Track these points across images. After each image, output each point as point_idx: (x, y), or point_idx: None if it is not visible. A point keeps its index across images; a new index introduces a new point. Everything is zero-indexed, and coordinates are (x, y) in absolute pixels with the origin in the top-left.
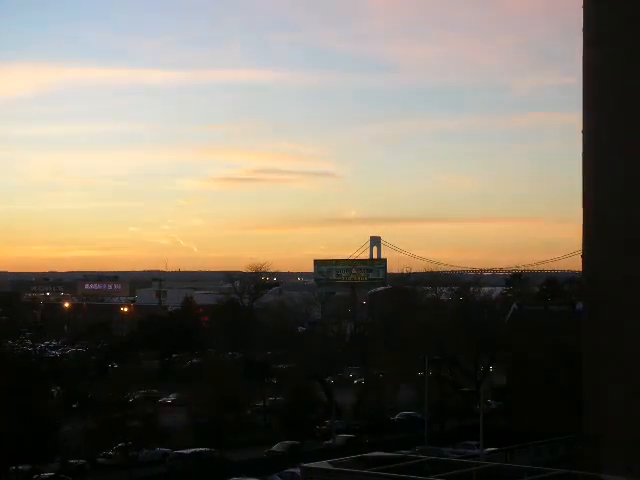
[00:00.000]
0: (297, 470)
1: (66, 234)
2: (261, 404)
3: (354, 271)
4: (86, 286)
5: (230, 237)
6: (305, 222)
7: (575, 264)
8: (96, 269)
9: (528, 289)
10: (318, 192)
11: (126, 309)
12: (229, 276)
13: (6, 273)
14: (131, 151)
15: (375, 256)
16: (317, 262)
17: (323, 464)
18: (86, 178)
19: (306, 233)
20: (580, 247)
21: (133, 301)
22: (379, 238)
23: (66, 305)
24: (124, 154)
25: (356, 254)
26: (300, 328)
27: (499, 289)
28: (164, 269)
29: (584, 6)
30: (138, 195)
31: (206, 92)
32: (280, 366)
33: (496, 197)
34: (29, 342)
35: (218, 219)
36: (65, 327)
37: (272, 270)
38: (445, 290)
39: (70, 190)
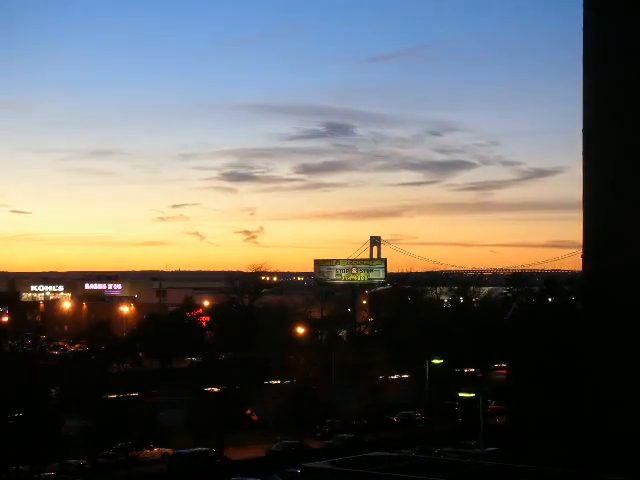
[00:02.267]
0: (297, 470)
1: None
2: (261, 404)
3: (354, 271)
4: (86, 286)
5: None
6: None
7: (575, 264)
8: (96, 269)
9: (528, 289)
10: None
11: (126, 309)
12: (229, 276)
13: (6, 272)
14: None
15: (375, 256)
16: (317, 262)
17: (323, 464)
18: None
19: None
20: (580, 246)
21: (133, 300)
22: (379, 238)
23: (66, 305)
24: None
25: (356, 254)
26: (300, 328)
27: (499, 289)
28: (164, 269)
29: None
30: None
31: None
32: (280, 366)
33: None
34: (29, 342)
35: None
36: (65, 327)
37: (272, 270)
38: (445, 290)
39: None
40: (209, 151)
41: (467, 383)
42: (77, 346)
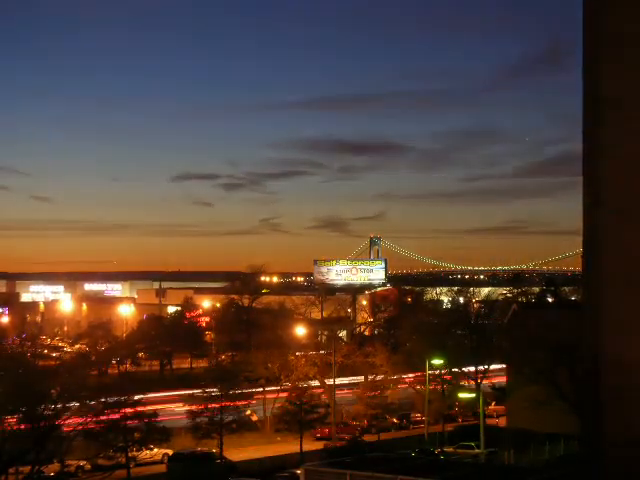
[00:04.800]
0: (297, 470)
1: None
2: (261, 404)
3: (354, 271)
4: (86, 286)
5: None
6: None
7: (575, 264)
8: (96, 269)
9: (528, 289)
10: None
11: (126, 309)
12: (229, 276)
13: (6, 273)
14: None
15: (375, 256)
16: (317, 262)
17: (323, 465)
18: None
19: None
20: (580, 247)
21: (133, 301)
22: (379, 237)
23: (66, 305)
24: None
25: (355, 254)
26: (300, 328)
27: (499, 289)
28: (164, 269)
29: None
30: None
31: None
32: (280, 366)
33: None
34: (29, 342)
35: None
36: (65, 327)
37: (272, 270)
38: (445, 290)
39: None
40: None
41: (467, 383)
42: (77, 346)
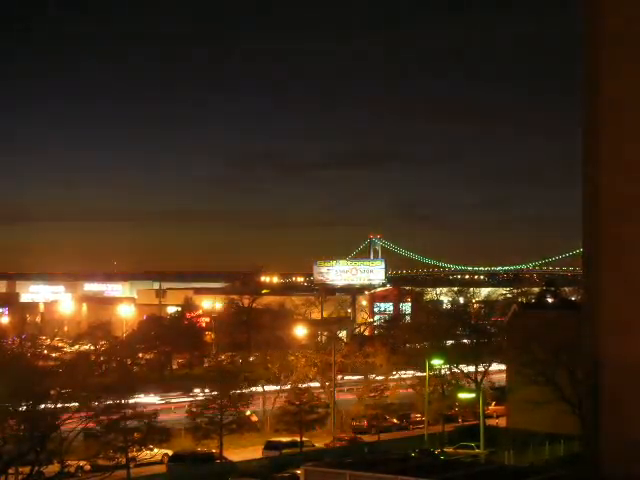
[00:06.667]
0: (297, 471)
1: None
2: (261, 404)
3: (354, 272)
4: (86, 286)
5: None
6: None
7: (575, 264)
8: (96, 269)
9: (528, 289)
10: None
11: (126, 309)
12: (229, 276)
13: (6, 273)
14: None
15: (375, 256)
16: (317, 262)
17: (323, 465)
18: None
19: None
20: (580, 247)
21: (133, 301)
22: (379, 238)
23: (66, 305)
24: None
25: (355, 255)
26: (300, 328)
27: (499, 289)
28: (164, 269)
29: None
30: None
31: None
32: (280, 366)
33: None
34: (29, 342)
35: None
36: (65, 327)
37: (272, 270)
38: (445, 290)
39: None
40: None
41: (467, 383)
42: (77, 347)
